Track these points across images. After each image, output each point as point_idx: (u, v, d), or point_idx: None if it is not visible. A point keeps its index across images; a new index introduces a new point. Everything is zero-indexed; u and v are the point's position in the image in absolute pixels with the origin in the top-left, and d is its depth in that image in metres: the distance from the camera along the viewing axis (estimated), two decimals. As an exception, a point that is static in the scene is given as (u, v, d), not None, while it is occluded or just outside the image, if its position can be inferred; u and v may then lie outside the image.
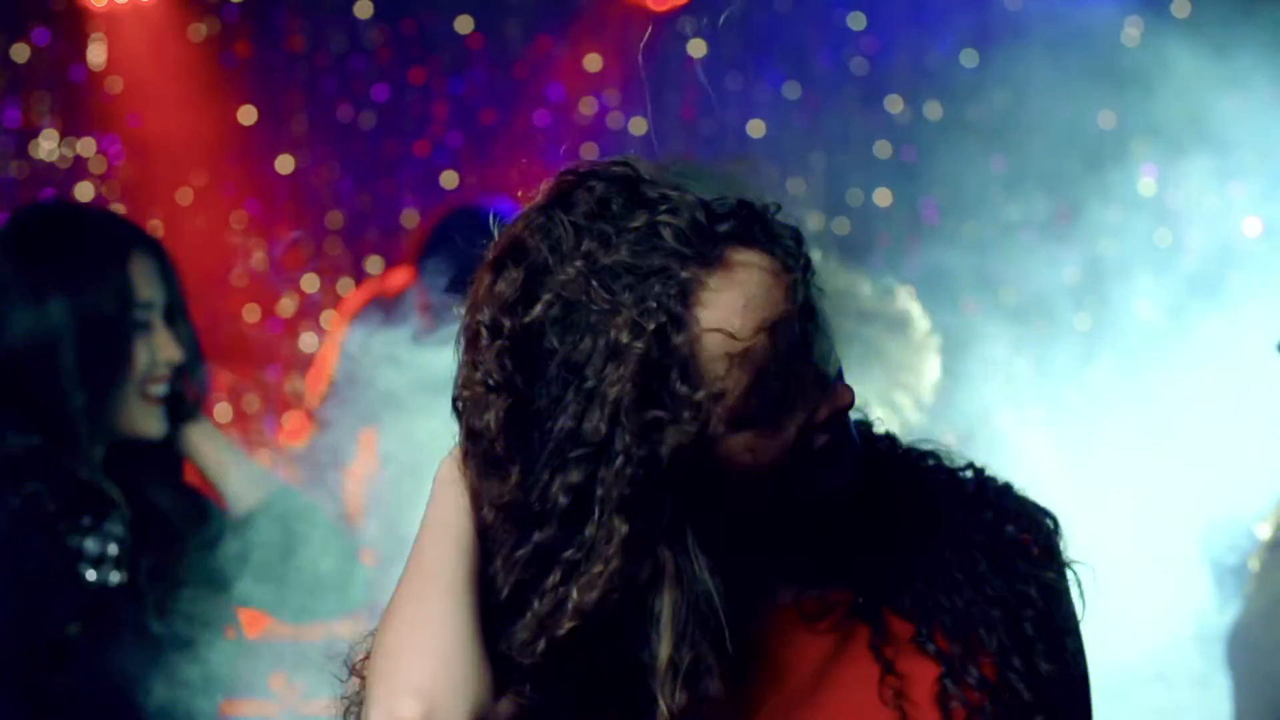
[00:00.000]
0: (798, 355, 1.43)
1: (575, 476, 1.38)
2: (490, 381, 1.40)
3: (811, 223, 5.17)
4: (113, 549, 2.60)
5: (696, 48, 5.22)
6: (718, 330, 1.39)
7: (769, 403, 1.42)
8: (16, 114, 5.05)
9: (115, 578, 2.60)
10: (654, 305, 1.38)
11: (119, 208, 4.99)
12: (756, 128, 5.18)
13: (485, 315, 1.41)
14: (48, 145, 5.06)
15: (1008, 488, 1.64)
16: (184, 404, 2.72)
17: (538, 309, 1.40)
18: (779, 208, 1.46)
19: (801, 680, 1.51)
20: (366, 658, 1.47)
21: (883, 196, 5.13)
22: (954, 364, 4.57)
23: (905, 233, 5.03)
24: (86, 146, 5.08)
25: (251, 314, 5.15)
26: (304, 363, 4.80)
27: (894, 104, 5.15)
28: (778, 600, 1.52)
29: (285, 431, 4.54)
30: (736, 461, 1.43)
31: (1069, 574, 1.59)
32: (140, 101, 5.08)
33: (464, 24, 5.23)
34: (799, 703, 1.50)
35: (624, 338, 1.38)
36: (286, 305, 5.20)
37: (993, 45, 4.92)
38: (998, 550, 1.57)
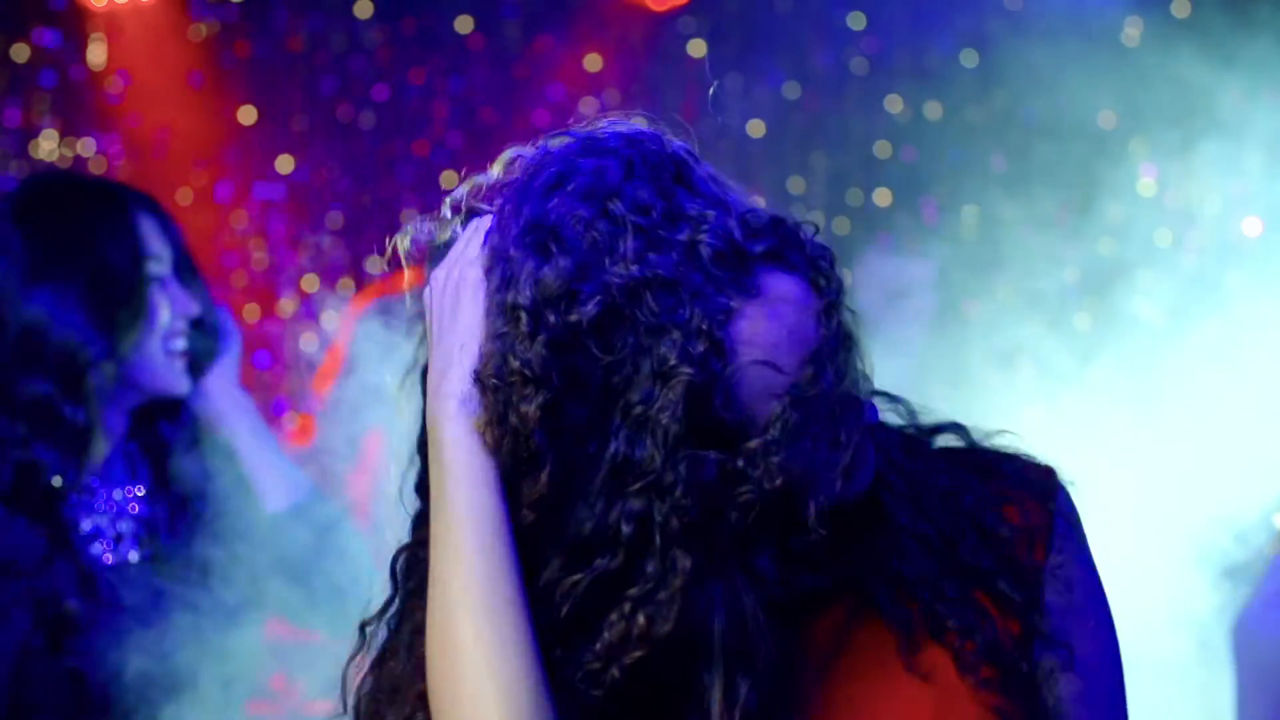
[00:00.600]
0: (838, 384, 1.41)
1: (636, 505, 1.35)
2: (528, 373, 1.36)
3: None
4: (126, 526, 2.61)
5: (696, 48, 5.22)
6: (764, 364, 1.37)
7: (814, 440, 1.39)
8: (16, 114, 5.04)
9: (133, 556, 2.60)
10: (702, 327, 1.34)
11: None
12: (756, 128, 5.18)
13: (526, 299, 1.36)
14: (48, 145, 5.06)
15: (1012, 459, 1.63)
16: (205, 359, 2.74)
17: (587, 308, 1.35)
18: (817, 229, 1.44)
19: (827, 673, 1.50)
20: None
21: (883, 196, 5.13)
22: (954, 364, 4.57)
23: (905, 233, 5.03)
24: (86, 146, 5.08)
25: (251, 314, 5.15)
26: (305, 363, 4.80)
27: (894, 104, 5.15)
28: (799, 600, 1.51)
29: (289, 433, 4.54)
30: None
31: (1077, 540, 1.58)
32: (140, 101, 5.07)
33: (464, 24, 5.23)
34: (833, 696, 1.50)
35: (671, 359, 1.34)
36: (286, 305, 5.20)
37: (993, 45, 4.92)
38: (999, 526, 1.56)
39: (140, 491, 2.64)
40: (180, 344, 2.68)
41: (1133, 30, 4.83)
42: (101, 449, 2.63)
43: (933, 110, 5.07)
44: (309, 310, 5.11)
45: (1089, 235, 4.57)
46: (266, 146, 5.19)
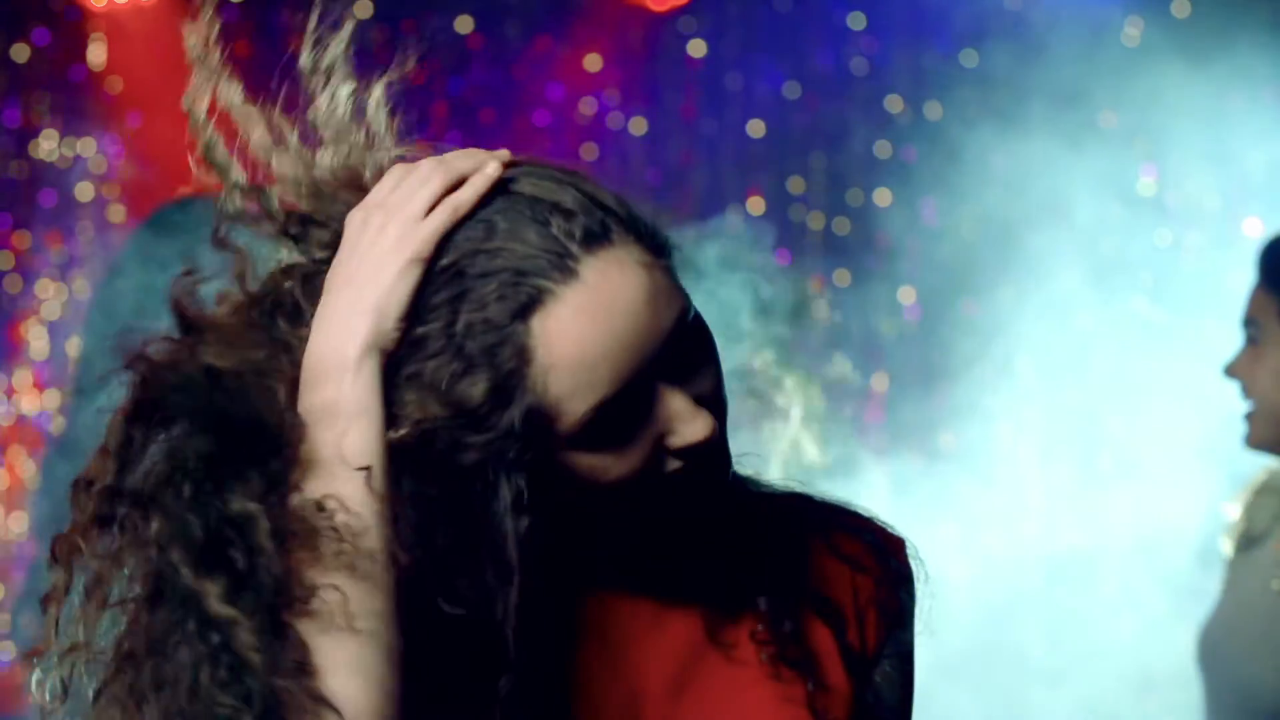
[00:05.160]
0: (657, 374, 1.43)
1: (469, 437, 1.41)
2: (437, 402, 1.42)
3: (811, 223, 5.17)
4: None
5: (696, 48, 5.22)
6: (568, 339, 1.40)
7: (616, 424, 1.42)
8: (16, 114, 5.04)
9: None
10: (512, 300, 1.40)
11: (119, 208, 4.99)
12: (756, 128, 5.18)
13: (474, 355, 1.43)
14: (48, 145, 5.06)
15: (854, 514, 1.63)
16: None
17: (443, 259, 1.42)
18: (656, 214, 1.46)
19: (666, 681, 1.52)
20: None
21: (883, 196, 5.13)
22: (953, 364, 4.58)
23: (905, 233, 5.03)
24: (86, 146, 5.08)
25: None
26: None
27: (894, 104, 5.15)
28: (634, 602, 1.54)
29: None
30: (578, 473, 1.44)
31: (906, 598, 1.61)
32: (140, 101, 5.07)
33: (464, 24, 5.23)
34: (669, 702, 1.52)
35: (492, 315, 1.40)
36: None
37: (993, 45, 4.92)
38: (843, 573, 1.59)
39: None
40: None
41: (1133, 30, 4.83)
42: None
43: (933, 110, 5.07)
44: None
45: (1089, 235, 4.57)
46: (266, 146, 5.18)
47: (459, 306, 1.42)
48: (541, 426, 1.42)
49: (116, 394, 1.43)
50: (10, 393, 4.90)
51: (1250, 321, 3.09)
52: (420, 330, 1.42)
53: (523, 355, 1.41)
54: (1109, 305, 4.47)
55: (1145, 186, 4.80)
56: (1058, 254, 4.50)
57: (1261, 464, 3.17)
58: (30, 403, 4.89)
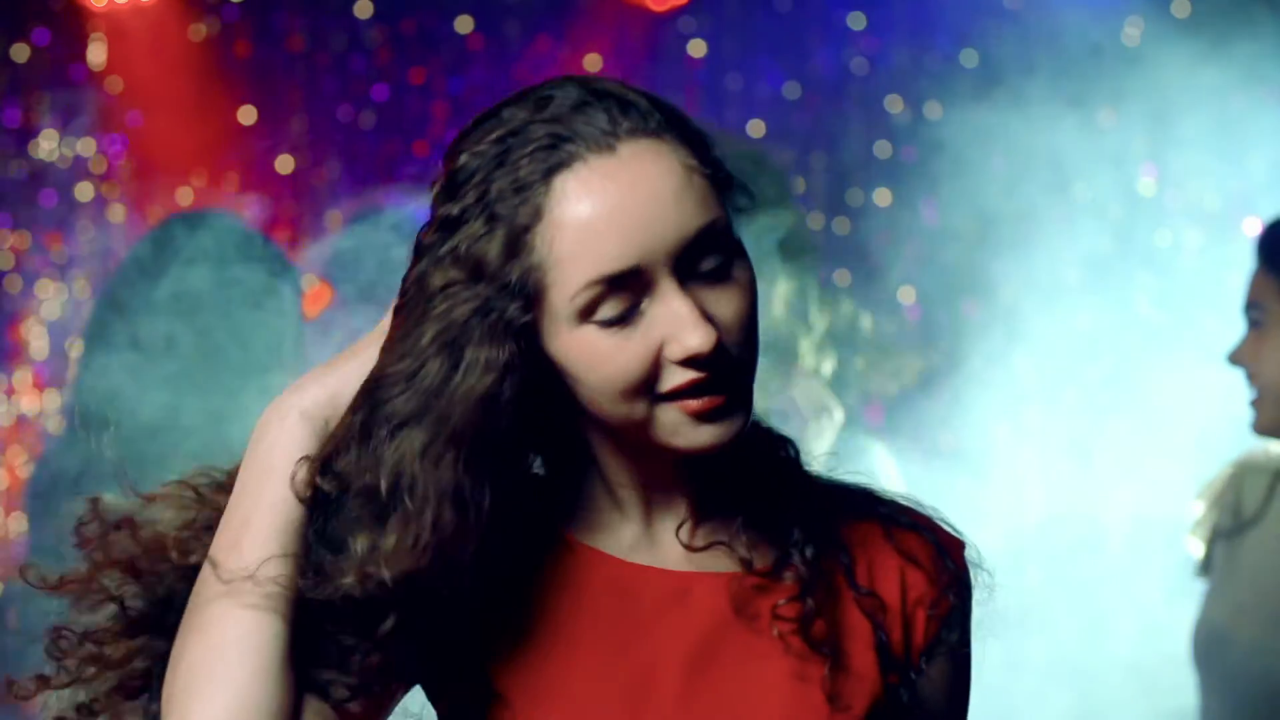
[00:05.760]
0: (673, 275, 1.45)
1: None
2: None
3: (811, 222, 5.17)
4: None
5: (696, 48, 5.22)
6: (582, 200, 1.44)
7: (616, 310, 1.45)
8: (16, 114, 5.04)
9: None
10: (544, 161, 1.45)
11: (119, 208, 4.99)
12: (756, 128, 5.18)
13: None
14: (48, 145, 5.06)
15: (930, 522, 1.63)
16: None
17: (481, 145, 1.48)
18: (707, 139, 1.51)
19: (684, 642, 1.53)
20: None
21: (883, 196, 5.13)
22: (953, 364, 4.57)
23: (905, 233, 5.02)
24: (86, 146, 5.08)
25: (251, 314, 5.15)
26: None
27: (894, 104, 5.15)
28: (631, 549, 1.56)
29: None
30: (573, 360, 1.47)
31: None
32: (140, 101, 5.07)
33: (464, 24, 5.23)
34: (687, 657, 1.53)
35: (521, 175, 1.45)
36: (286, 305, 5.20)
37: (993, 45, 4.92)
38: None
39: None
40: None
41: (1133, 30, 4.82)
42: None
43: (933, 110, 5.06)
44: (309, 310, 5.11)
45: (1089, 235, 4.57)
46: (266, 146, 5.18)
47: (494, 175, 1.46)
48: (541, 288, 1.45)
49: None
50: (10, 393, 4.90)
51: (1252, 305, 3.08)
52: (456, 209, 1.47)
53: (538, 212, 1.45)
54: (1109, 305, 4.46)
55: (1145, 186, 4.80)
56: (1057, 254, 4.50)
57: (1254, 449, 3.18)
58: (30, 403, 4.89)
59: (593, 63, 5.23)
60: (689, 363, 1.45)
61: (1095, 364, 4.41)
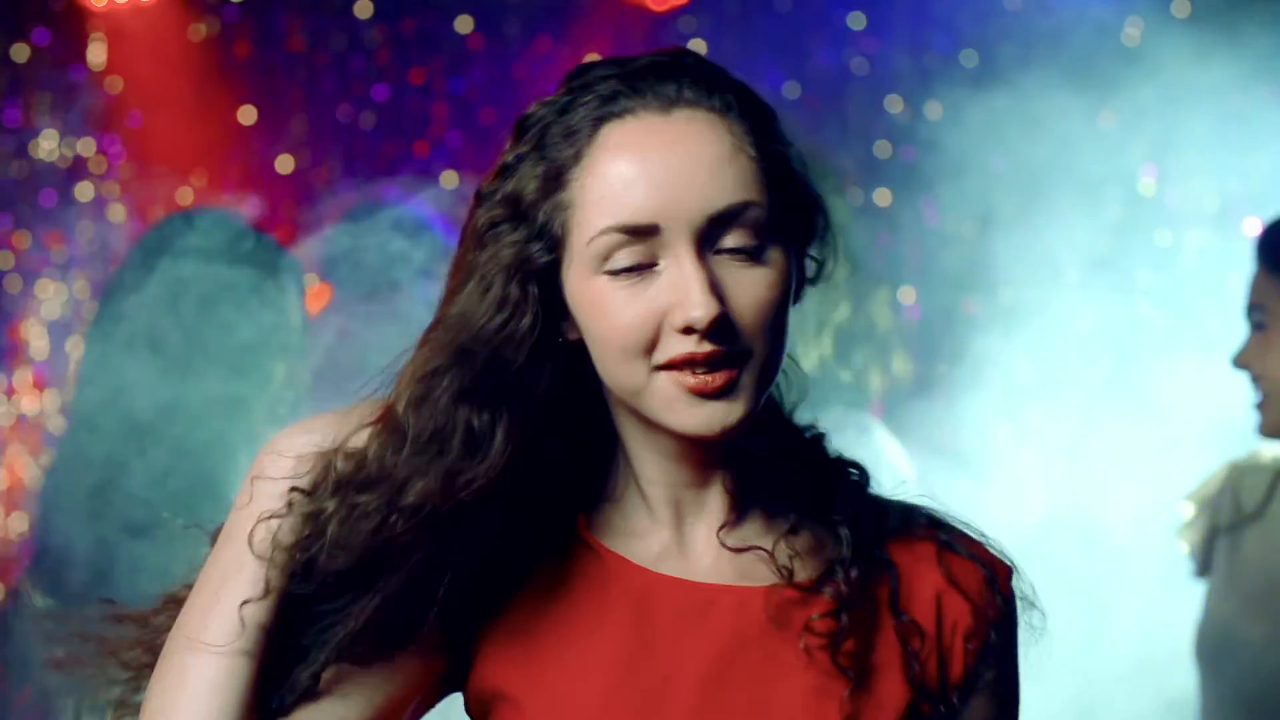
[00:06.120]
0: (694, 243, 1.45)
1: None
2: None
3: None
4: None
5: (696, 48, 5.21)
6: (619, 148, 1.46)
7: (630, 262, 1.45)
8: (16, 114, 5.04)
9: None
10: (598, 111, 1.48)
11: (119, 208, 4.99)
12: (756, 128, 5.17)
13: None
14: (48, 145, 5.06)
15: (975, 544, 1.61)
16: None
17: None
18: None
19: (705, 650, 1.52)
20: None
21: (883, 196, 5.13)
22: (953, 365, 4.57)
23: (905, 233, 5.02)
24: (86, 146, 5.08)
25: (251, 314, 5.15)
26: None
27: (894, 104, 5.15)
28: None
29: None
30: (583, 309, 1.47)
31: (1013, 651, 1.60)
32: (140, 101, 5.07)
33: (464, 24, 5.23)
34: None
35: (574, 121, 1.49)
36: (286, 305, 5.20)
37: (993, 45, 4.92)
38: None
39: None
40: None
41: (1133, 30, 4.82)
42: None
43: (933, 110, 5.06)
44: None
45: (1089, 236, 4.57)
46: (266, 146, 5.18)
47: (553, 123, 1.50)
48: (566, 230, 1.47)
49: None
50: (10, 393, 4.90)
51: (1255, 308, 3.07)
52: (513, 155, 1.51)
53: (578, 155, 1.48)
54: (1109, 305, 4.46)
55: (1145, 186, 4.79)
56: (1057, 254, 4.50)
57: (1249, 450, 3.17)
58: (30, 403, 4.89)
59: (593, 63, 5.23)
60: (689, 334, 1.45)
61: (1095, 364, 4.41)
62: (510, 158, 1.51)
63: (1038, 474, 4.33)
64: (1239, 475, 3.15)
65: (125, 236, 4.86)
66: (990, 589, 1.57)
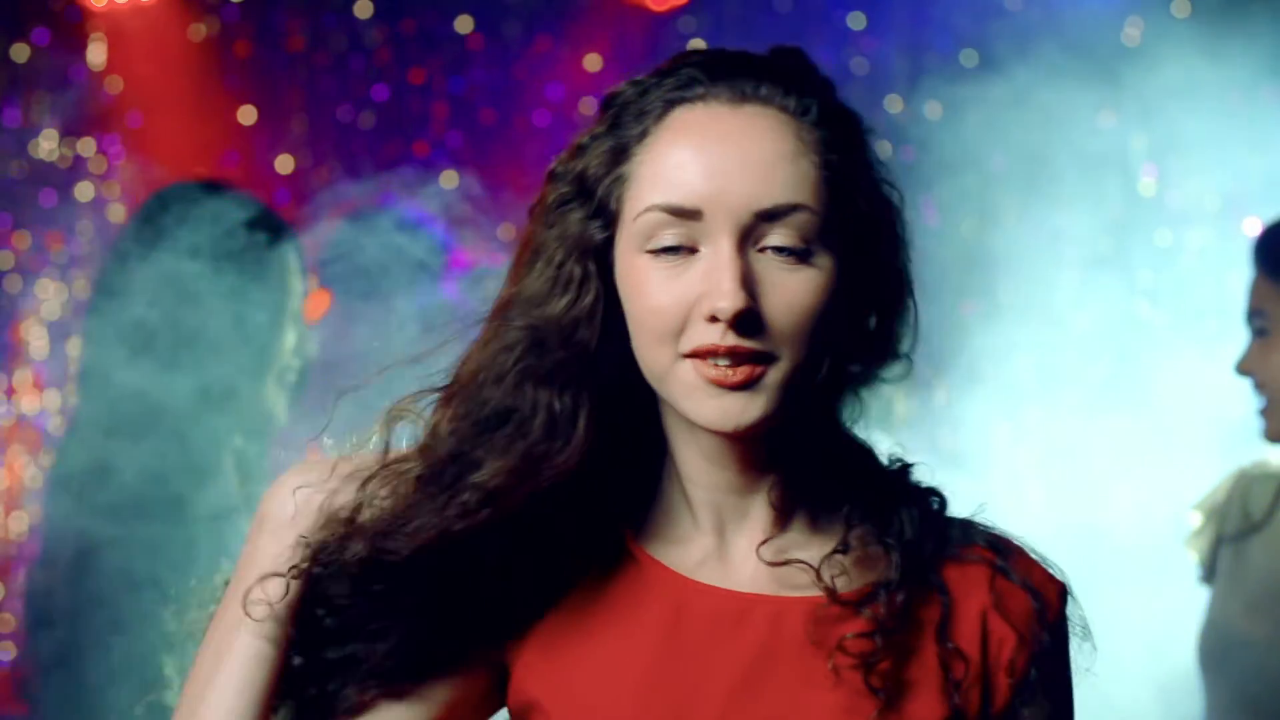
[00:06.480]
0: (737, 237, 1.45)
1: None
2: None
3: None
4: None
5: (696, 48, 5.21)
6: (681, 131, 1.47)
7: (671, 242, 1.46)
8: (16, 114, 5.04)
9: None
10: (673, 94, 1.49)
11: (119, 208, 4.99)
12: (756, 128, 5.18)
13: None
14: (48, 145, 5.06)
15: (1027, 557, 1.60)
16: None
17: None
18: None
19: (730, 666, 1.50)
20: None
21: (883, 196, 5.12)
22: (953, 366, 4.57)
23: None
24: (86, 146, 5.08)
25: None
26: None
27: (894, 104, 5.15)
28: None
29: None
30: (627, 285, 1.48)
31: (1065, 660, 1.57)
32: (140, 101, 5.07)
33: (464, 24, 5.23)
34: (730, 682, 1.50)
35: (648, 103, 1.51)
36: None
37: (993, 45, 4.92)
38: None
39: None
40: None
41: (1133, 30, 4.82)
42: None
43: (932, 110, 5.06)
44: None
45: (1089, 235, 4.57)
46: (266, 146, 5.18)
47: (631, 104, 1.50)
48: (620, 205, 1.48)
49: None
50: (10, 393, 4.89)
51: (1256, 313, 3.06)
52: (588, 135, 1.52)
53: (645, 133, 1.48)
54: (1109, 305, 4.46)
55: (1145, 186, 4.79)
56: (1057, 253, 4.50)
57: (1256, 459, 3.17)
58: (30, 403, 4.89)
59: (593, 63, 5.23)
60: (714, 324, 1.44)
61: (1095, 364, 4.41)
62: (585, 138, 1.52)
63: (1037, 474, 4.33)
64: (1247, 484, 3.14)
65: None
66: (1038, 622, 1.54)
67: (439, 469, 1.46)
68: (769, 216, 1.45)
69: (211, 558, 2.69)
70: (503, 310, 1.51)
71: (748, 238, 1.45)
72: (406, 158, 5.24)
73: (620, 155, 1.48)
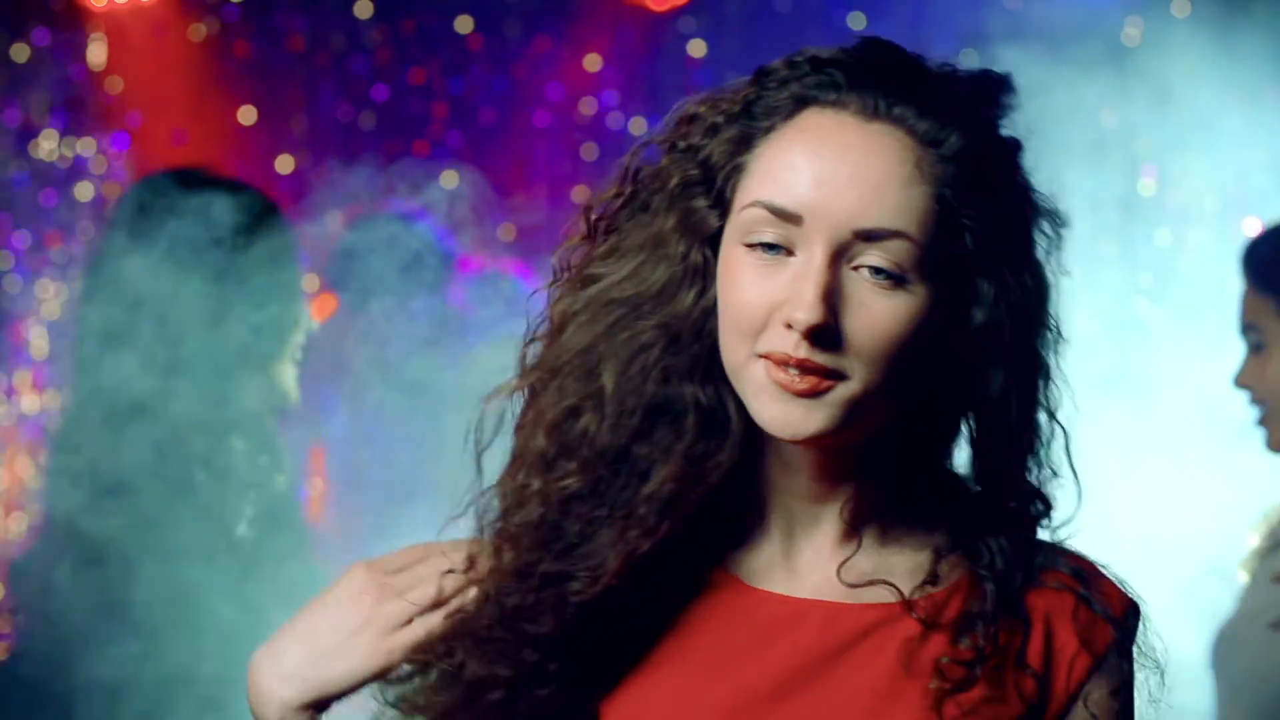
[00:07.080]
0: (833, 248, 1.44)
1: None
2: None
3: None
4: None
5: (696, 48, 5.22)
6: (803, 133, 1.46)
7: (767, 239, 1.45)
8: (16, 114, 5.04)
9: None
10: (807, 91, 1.48)
11: (119, 208, 4.99)
12: (756, 128, 5.18)
13: None
14: (48, 145, 5.06)
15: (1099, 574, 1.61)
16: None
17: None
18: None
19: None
20: None
21: (883, 196, 5.13)
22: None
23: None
24: (86, 146, 5.08)
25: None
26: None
27: (894, 104, 5.15)
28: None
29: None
30: (723, 276, 1.47)
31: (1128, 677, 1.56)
32: (140, 101, 5.07)
33: (464, 24, 5.23)
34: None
35: (777, 98, 1.50)
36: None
37: (993, 45, 4.92)
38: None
39: None
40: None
41: (1133, 30, 4.82)
42: None
43: (933, 110, 5.06)
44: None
45: (1089, 235, 4.57)
46: (266, 146, 5.19)
47: (769, 94, 1.49)
48: (733, 194, 1.47)
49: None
50: (10, 393, 4.90)
51: (1249, 328, 3.06)
52: (722, 116, 1.51)
53: (771, 127, 1.47)
54: (1109, 305, 4.46)
55: (1145, 186, 4.79)
56: (1057, 254, 4.50)
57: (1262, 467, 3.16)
58: (30, 403, 4.89)
59: (593, 63, 5.23)
60: (790, 331, 1.42)
61: (1095, 364, 4.41)
62: (719, 118, 1.50)
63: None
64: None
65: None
66: (1117, 655, 1.55)
67: (596, 484, 1.45)
68: (868, 237, 1.43)
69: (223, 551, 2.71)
70: (608, 302, 1.49)
71: (843, 253, 1.43)
72: (406, 158, 5.25)
73: (744, 145, 1.47)
